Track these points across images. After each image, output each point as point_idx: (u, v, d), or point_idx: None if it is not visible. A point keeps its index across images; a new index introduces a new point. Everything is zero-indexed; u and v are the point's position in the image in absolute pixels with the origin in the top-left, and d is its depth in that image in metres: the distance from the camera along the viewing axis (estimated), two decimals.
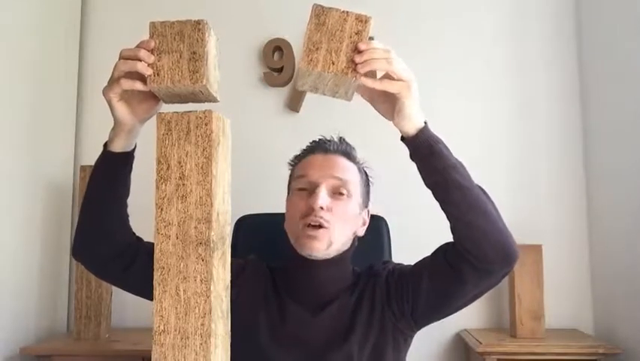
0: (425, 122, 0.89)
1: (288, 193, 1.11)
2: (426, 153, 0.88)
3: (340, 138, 1.10)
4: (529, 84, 1.89)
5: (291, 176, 1.12)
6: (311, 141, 1.12)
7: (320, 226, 0.99)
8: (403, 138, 0.90)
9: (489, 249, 0.89)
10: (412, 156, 0.90)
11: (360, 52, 0.75)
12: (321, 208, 0.98)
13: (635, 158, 1.55)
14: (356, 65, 0.75)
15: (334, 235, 1.01)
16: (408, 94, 0.83)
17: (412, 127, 0.87)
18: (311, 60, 0.74)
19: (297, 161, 1.11)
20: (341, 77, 0.75)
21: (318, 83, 0.78)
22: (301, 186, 1.04)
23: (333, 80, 0.76)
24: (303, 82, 0.79)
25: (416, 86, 0.83)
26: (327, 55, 0.75)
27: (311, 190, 1.02)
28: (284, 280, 1.08)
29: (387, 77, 0.81)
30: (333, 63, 0.75)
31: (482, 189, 0.92)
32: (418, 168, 0.90)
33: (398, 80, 0.81)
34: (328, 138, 1.10)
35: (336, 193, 1.02)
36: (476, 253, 0.90)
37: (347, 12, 0.76)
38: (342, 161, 1.06)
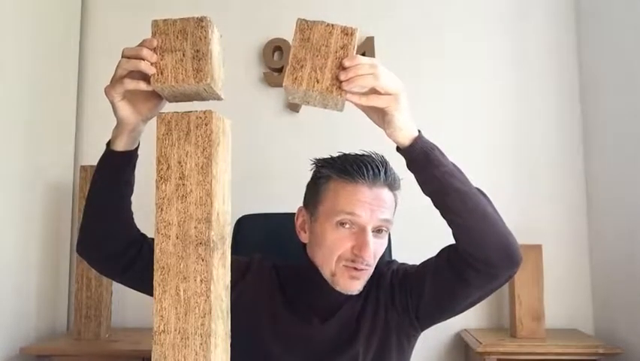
0: (419, 131, 0.88)
1: (316, 205, 1.02)
2: (422, 161, 0.86)
3: (384, 161, 1.01)
4: (529, 85, 1.89)
5: (322, 191, 1.01)
6: (350, 155, 1.02)
7: (362, 270, 0.98)
8: (398, 149, 0.89)
9: (492, 253, 0.89)
10: (409, 166, 0.89)
11: (345, 68, 0.73)
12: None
13: (635, 158, 1.55)
14: (341, 82, 0.73)
15: (372, 271, 1.01)
16: (396, 106, 0.81)
17: (404, 137, 0.86)
18: (295, 79, 0.73)
19: (328, 174, 1.00)
20: (327, 95, 0.74)
21: (307, 97, 0.77)
22: (345, 222, 0.97)
23: (319, 97, 0.75)
24: (292, 96, 0.78)
25: (405, 96, 0.81)
26: (312, 72, 0.73)
27: (355, 231, 0.97)
28: (293, 283, 1.06)
29: (375, 91, 0.78)
30: (318, 81, 0.73)
31: (482, 192, 0.92)
32: (416, 177, 0.89)
33: (385, 94, 0.79)
34: (373, 160, 1.00)
35: (377, 232, 0.99)
36: (479, 258, 0.89)
37: (332, 25, 0.74)
38: (387, 196, 0.99)
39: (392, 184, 1.00)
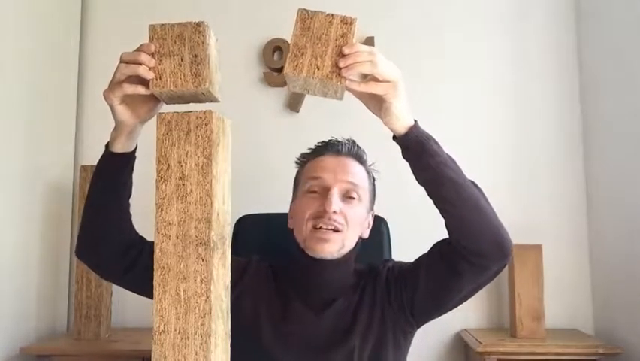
0: (415, 121, 0.89)
1: (295, 192, 1.11)
2: (417, 150, 0.88)
3: (351, 140, 1.10)
4: (530, 84, 1.89)
5: (299, 175, 1.12)
6: (320, 141, 1.11)
7: (334, 230, 1.01)
8: (394, 137, 0.91)
9: (483, 243, 0.90)
10: (404, 155, 0.91)
11: (344, 56, 0.75)
12: (334, 212, 1.00)
13: (635, 158, 1.55)
14: (340, 69, 0.75)
15: (347, 238, 1.03)
16: (394, 94, 0.83)
17: (401, 126, 0.87)
18: (296, 66, 0.75)
19: (305, 160, 1.11)
20: (327, 82, 0.75)
21: (307, 85, 0.78)
22: (313, 189, 1.04)
23: (319, 84, 0.77)
24: (293, 85, 0.79)
25: (403, 85, 0.83)
26: (312, 60, 0.75)
27: (322, 193, 1.03)
28: (288, 279, 1.08)
29: (373, 78, 0.81)
30: (318, 68, 0.75)
31: (474, 184, 0.93)
32: (411, 166, 0.91)
33: (384, 81, 0.81)
34: (339, 140, 1.10)
35: (347, 197, 1.03)
36: (470, 248, 0.91)
37: (332, 15, 0.76)
38: (354, 164, 1.07)
39: (357, 156, 1.08)
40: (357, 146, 1.10)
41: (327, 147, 1.08)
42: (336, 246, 1.01)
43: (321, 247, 1.01)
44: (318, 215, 1.01)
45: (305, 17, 0.76)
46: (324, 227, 1.00)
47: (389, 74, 0.81)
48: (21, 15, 1.61)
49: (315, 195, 1.03)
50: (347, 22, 0.76)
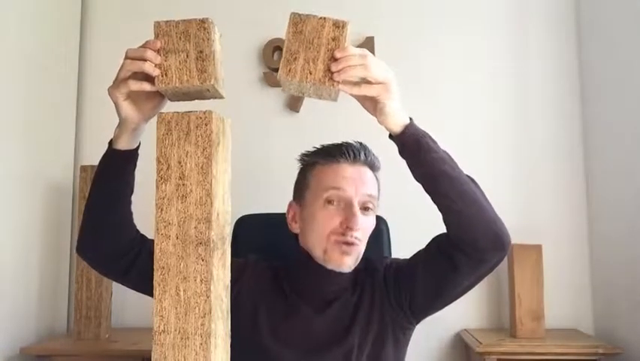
0: (410, 118, 0.90)
1: (304, 194, 1.07)
2: (413, 148, 0.89)
3: (363, 144, 1.07)
4: (530, 84, 1.89)
5: (309, 177, 1.07)
6: (331, 144, 1.07)
7: (353, 244, 1.01)
8: (390, 136, 0.91)
9: (480, 237, 0.91)
10: (401, 152, 0.91)
11: (336, 60, 0.75)
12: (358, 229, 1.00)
13: (635, 158, 1.55)
14: (333, 73, 0.75)
15: (361, 249, 1.03)
16: (387, 95, 0.84)
17: (396, 124, 0.88)
18: (289, 71, 0.75)
19: (313, 161, 1.07)
20: (320, 86, 0.76)
21: (301, 88, 0.79)
22: (331, 199, 1.01)
23: (313, 88, 0.77)
24: (288, 88, 0.80)
25: (395, 85, 0.84)
26: (305, 64, 0.75)
27: (341, 205, 1.01)
28: (289, 279, 1.08)
29: (366, 81, 0.82)
30: (311, 73, 0.75)
31: (471, 179, 0.94)
32: (407, 163, 0.92)
33: (376, 83, 0.82)
34: (352, 144, 1.06)
35: (364, 208, 1.03)
36: (468, 242, 0.92)
37: (324, 18, 0.77)
38: (370, 174, 1.05)
39: (372, 164, 1.06)
40: (372, 152, 1.07)
41: (342, 153, 1.03)
42: (353, 259, 1.02)
43: (342, 260, 1.01)
44: (343, 232, 1.00)
45: (297, 21, 0.77)
46: (347, 241, 1.00)
47: (381, 75, 0.82)
48: (21, 15, 1.61)
49: (334, 207, 1.01)
50: (339, 25, 0.77)
